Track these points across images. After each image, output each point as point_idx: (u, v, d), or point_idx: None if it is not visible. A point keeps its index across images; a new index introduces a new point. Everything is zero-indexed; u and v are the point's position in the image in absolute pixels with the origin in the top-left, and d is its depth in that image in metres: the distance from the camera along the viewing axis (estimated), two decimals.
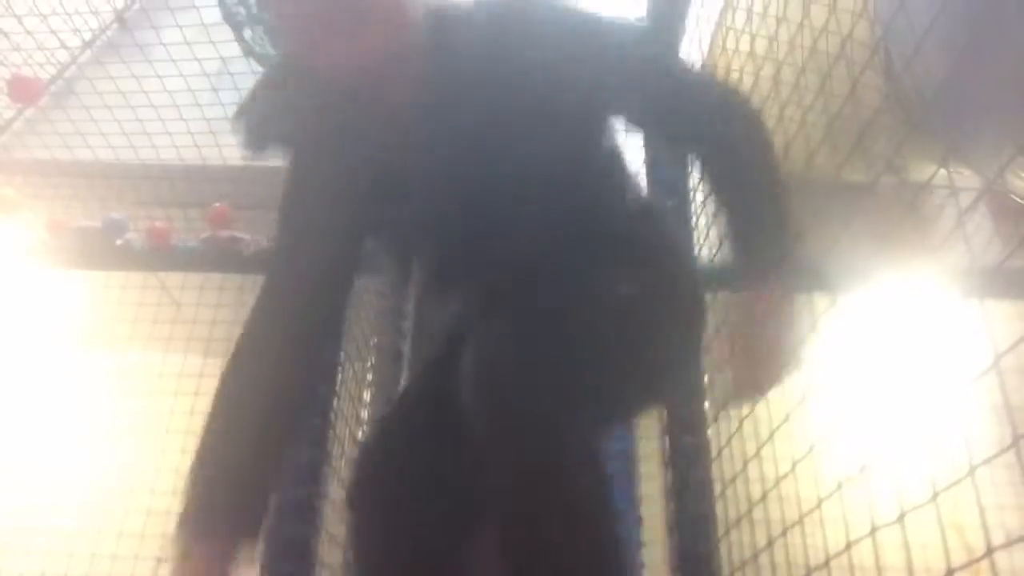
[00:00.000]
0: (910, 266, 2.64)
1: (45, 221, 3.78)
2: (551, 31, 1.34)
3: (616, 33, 1.45)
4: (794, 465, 1.59)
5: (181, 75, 3.40)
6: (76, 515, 4.07)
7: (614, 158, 1.53)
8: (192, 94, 3.48)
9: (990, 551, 0.97)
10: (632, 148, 2.93)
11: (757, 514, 1.76)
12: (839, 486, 1.36)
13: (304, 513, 1.80)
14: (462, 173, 1.37)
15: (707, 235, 2.27)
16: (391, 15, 1.26)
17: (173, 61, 3.37)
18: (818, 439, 1.48)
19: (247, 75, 3.73)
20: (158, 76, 3.41)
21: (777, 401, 1.69)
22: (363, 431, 3.00)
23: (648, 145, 2.34)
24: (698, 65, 2.58)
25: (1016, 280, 3.39)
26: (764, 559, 1.68)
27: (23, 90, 3.32)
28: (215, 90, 3.62)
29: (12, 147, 3.94)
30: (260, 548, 1.79)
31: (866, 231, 1.56)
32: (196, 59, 3.35)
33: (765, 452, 1.76)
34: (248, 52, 4.08)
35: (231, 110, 3.61)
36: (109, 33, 4.30)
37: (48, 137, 3.68)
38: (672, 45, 2.42)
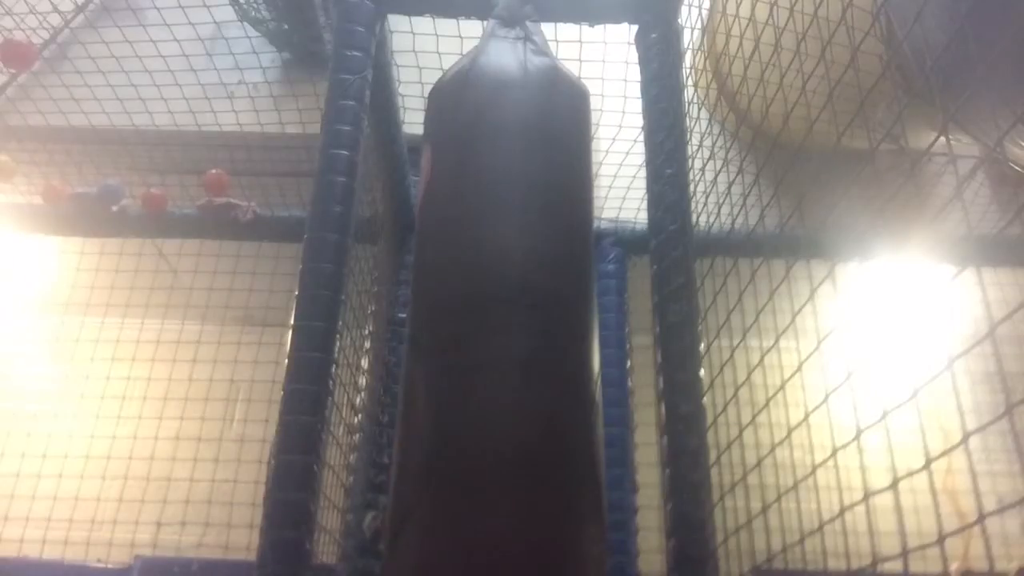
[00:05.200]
0: (908, 233, 2.64)
1: (40, 188, 3.76)
2: None
3: None
4: (789, 432, 1.60)
5: (175, 39, 3.37)
6: (77, 482, 4.10)
7: None
8: (187, 59, 3.45)
9: (982, 517, 0.98)
10: (632, 115, 2.93)
11: (752, 480, 1.78)
12: (833, 452, 1.37)
13: (303, 479, 1.81)
14: None
15: (704, 202, 2.27)
16: None
17: (167, 25, 3.32)
18: (813, 406, 1.49)
19: (242, 40, 3.72)
20: (152, 41, 3.37)
21: (773, 369, 1.70)
22: (361, 398, 3.02)
23: (646, 111, 2.33)
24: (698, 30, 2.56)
25: (1012, 248, 3.40)
26: (758, 524, 1.70)
27: (16, 55, 3.29)
28: (210, 55, 3.58)
29: (6, 113, 3.91)
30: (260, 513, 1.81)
31: (865, 198, 1.56)
32: (191, 23, 3.31)
33: (760, 419, 1.77)
34: (243, 17, 4.05)
35: (226, 76, 3.59)
36: None
37: (42, 103, 3.65)
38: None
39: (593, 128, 2.03)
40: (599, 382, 1.71)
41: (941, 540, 1.06)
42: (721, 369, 1.98)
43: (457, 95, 1.89)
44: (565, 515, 1.50)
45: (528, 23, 2.01)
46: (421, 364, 1.66)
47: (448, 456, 1.53)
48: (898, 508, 1.14)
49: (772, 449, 1.70)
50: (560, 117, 1.88)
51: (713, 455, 1.90)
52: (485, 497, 1.48)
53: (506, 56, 1.90)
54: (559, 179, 1.81)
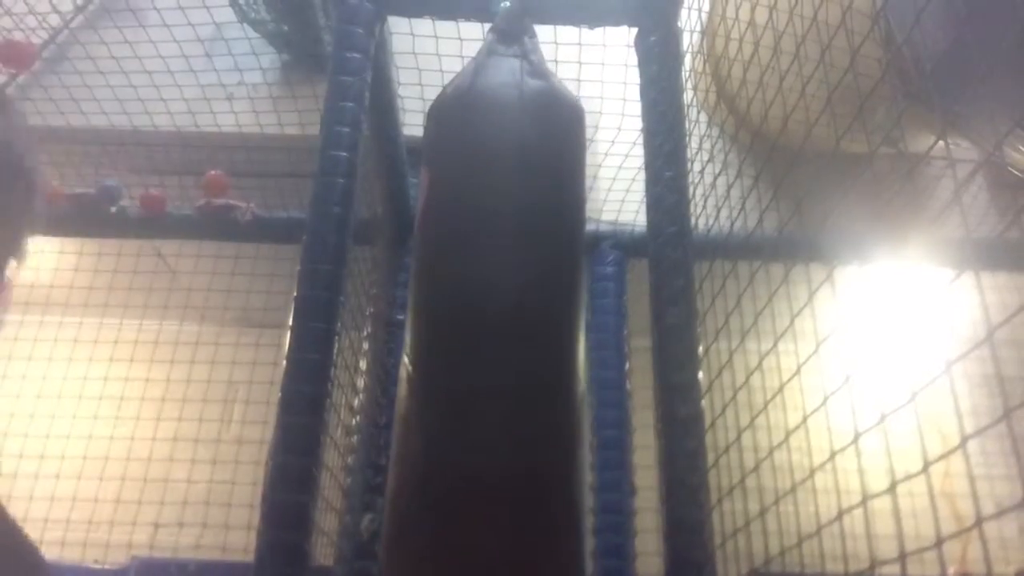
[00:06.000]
0: (906, 237, 2.64)
1: None
2: None
3: None
4: (787, 435, 1.61)
5: (175, 40, 3.37)
6: (74, 483, 4.10)
7: None
8: (186, 60, 3.45)
9: (980, 521, 0.98)
10: (631, 118, 2.93)
11: (750, 483, 1.78)
12: (832, 456, 1.37)
13: (301, 480, 1.81)
14: None
15: (703, 205, 2.27)
16: None
17: (167, 26, 3.33)
18: (812, 409, 1.49)
19: (241, 41, 3.72)
20: (152, 41, 3.37)
21: (771, 371, 1.70)
22: (359, 400, 3.02)
23: (645, 113, 2.33)
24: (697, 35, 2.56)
25: (1010, 252, 3.40)
26: (756, 527, 1.70)
27: (15, 55, 3.29)
28: (209, 56, 3.58)
29: None
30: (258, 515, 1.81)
31: (864, 202, 1.56)
32: (190, 24, 3.31)
33: (759, 422, 1.77)
34: (243, 18, 4.06)
35: (225, 77, 3.59)
36: None
37: (41, 103, 3.65)
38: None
39: (592, 131, 2.05)
40: (584, 402, 1.75)
41: (939, 544, 1.06)
42: (720, 372, 1.99)
43: (454, 118, 1.92)
44: (547, 535, 1.57)
45: (526, 39, 2.02)
46: (415, 389, 1.70)
47: (440, 481, 1.59)
48: (896, 511, 1.14)
49: (770, 452, 1.70)
50: (555, 143, 1.90)
51: (711, 458, 1.90)
52: (474, 523, 1.55)
53: (503, 77, 1.92)
54: (552, 206, 1.85)
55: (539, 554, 1.54)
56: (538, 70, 1.96)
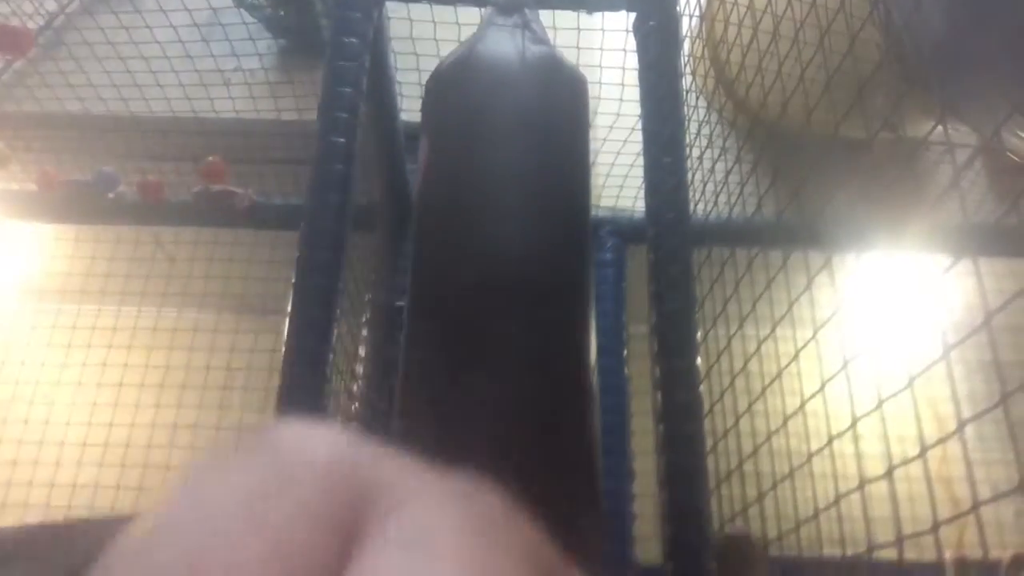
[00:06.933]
0: (905, 222, 2.64)
1: (35, 175, 3.74)
2: None
3: None
4: (785, 420, 1.61)
5: (171, 25, 3.35)
6: (74, 469, 4.11)
7: None
8: (183, 45, 3.44)
9: (976, 505, 0.98)
10: (629, 103, 2.92)
11: (748, 468, 1.79)
12: (829, 441, 1.38)
13: None
14: None
15: (702, 191, 2.27)
16: None
17: (163, 11, 3.31)
18: (810, 395, 1.50)
19: (238, 26, 3.71)
20: (148, 27, 3.36)
21: (769, 357, 1.71)
22: (358, 386, 3.02)
23: (644, 99, 2.33)
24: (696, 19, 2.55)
25: (1008, 238, 3.40)
26: (754, 512, 1.71)
27: (11, 41, 3.27)
28: (206, 41, 3.57)
29: (1, 99, 3.89)
30: None
31: (862, 187, 1.56)
32: (186, 9, 3.30)
33: (757, 407, 1.77)
34: (239, 3, 4.03)
35: (222, 62, 3.57)
36: None
37: (37, 89, 3.63)
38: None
39: (591, 116, 2.03)
40: (595, 372, 1.71)
41: (936, 528, 1.06)
42: (718, 358, 1.99)
43: (455, 83, 1.88)
44: (562, 505, 1.52)
45: (527, 11, 2.00)
46: (418, 357, 1.67)
47: (446, 451, 1.55)
48: (893, 496, 1.14)
49: (768, 437, 1.70)
50: (558, 106, 1.87)
51: (710, 443, 1.91)
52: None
53: (504, 44, 1.89)
54: (557, 169, 1.81)
55: (556, 519, 1.52)
56: (540, 38, 1.94)
